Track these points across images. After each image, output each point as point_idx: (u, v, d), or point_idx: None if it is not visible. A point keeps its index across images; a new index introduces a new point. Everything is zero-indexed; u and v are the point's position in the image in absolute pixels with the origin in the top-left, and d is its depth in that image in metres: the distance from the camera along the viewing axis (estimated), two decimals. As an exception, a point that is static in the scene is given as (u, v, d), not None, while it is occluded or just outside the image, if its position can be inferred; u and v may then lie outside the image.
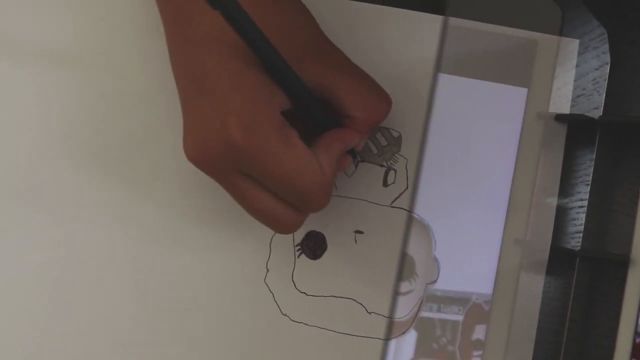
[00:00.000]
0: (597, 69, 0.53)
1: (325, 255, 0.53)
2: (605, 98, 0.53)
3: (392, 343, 0.52)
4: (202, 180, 0.47)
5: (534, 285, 0.52)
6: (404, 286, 0.53)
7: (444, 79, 0.53)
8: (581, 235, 0.53)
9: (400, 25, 0.53)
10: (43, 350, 0.53)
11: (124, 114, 0.54)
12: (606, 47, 0.53)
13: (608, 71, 0.53)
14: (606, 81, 0.53)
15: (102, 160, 0.54)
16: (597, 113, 0.53)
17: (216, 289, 0.53)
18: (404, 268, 0.53)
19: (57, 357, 0.53)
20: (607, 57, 0.53)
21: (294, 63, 0.44)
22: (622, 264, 0.50)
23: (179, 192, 0.53)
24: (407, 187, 0.53)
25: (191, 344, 0.53)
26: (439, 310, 0.52)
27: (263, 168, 0.44)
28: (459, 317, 0.52)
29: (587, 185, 0.53)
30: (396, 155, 0.53)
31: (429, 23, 0.53)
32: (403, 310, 0.52)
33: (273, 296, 0.53)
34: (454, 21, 0.53)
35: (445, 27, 0.53)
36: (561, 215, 0.53)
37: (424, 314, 0.52)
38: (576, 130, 0.53)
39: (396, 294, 0.52)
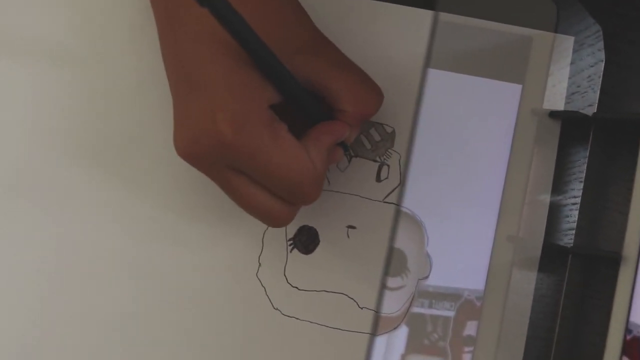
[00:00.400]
0: (592, 66, 0.53)
1: (317, 250, 0.53)
2: (600, 95, 0.53)
3: (384, 338, 0.52)
4: (194, 175, 0.47)
5: (526, 282, 0.52)
6: (396, 281, 0.53)
7: (435, 74, 0.53)
8: (574, 232, 0.53)
9: (391, 20, 0.53)
10: (40, 348, 0.53)
11: (119, 112, 0.54)
12: (601, 44, 0.53)
13: (603, 69, 0.53)
14: (601, 78, 0.53)
15: (97, 157, 0.54)
16: (592, 110, 0.53)
17: (208, 283, 0.53)
18: (395, 263, 0.53)
19: (54, 355, 0.53)
20: (602, 55, 0.53)
21: (285, 57, 0.44)
22: (615, 261, 0.50)
23: (172, 187, 0.53)
24: (400, 183, 0.53)
25: (183, 337, 0.53)
26: (430, 306, 0.52)
27: (253, 163, 0.44)
28: (451, 313, 0.52)
29: (581, 182, 0.53)
30: (389, 150, 0.53)
31: (421, 18, 0.53)
32: (394, 306, 0.52)
33: (265, 290, 0.53)
34: (446, 17, 0.53)
35: (435, 22, 0.53)
36: (554, 212, 0.53)
37: (416, 309, 0.52)
38: (570, 127, 0.53)
39: (383, 288, 0.52)
